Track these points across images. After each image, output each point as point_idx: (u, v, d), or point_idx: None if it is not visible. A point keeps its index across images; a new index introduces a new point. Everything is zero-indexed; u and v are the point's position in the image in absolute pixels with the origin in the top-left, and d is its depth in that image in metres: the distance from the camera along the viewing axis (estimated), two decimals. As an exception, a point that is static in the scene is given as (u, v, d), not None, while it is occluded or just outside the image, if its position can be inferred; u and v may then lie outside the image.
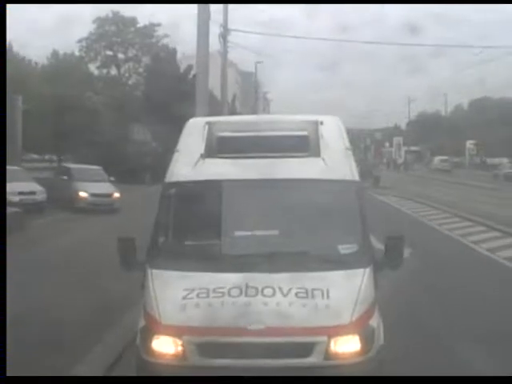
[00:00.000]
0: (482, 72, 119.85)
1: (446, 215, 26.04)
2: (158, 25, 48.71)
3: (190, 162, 7.01)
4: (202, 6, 16.58)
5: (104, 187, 25.48)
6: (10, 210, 17.98)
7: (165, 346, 5.81)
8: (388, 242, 6.53)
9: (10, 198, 18.73)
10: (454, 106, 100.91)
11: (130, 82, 48.73)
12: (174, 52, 46.08)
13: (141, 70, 48.97)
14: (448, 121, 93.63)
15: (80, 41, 47.10)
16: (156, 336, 5.84)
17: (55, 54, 42.74)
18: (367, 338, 5.83)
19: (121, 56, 49.59)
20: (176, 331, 5.76)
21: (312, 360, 5.68)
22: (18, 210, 18.97)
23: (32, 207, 21.58)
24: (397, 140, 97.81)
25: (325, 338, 5.68)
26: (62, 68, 38.90)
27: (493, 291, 11.94)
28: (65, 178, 26.50)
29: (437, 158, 76.90)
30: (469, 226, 22.45)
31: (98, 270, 5.98)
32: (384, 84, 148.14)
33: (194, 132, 7.42)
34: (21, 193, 22.12)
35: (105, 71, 48.60)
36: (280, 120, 7.98)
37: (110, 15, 46.82)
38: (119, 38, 48.20)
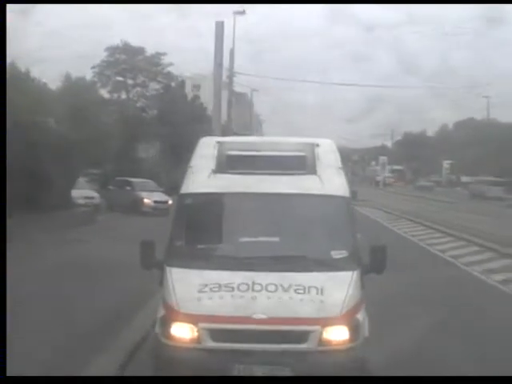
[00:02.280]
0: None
1: (397, 218, 31.91)
2: (164, 54, 49.46)
3: (202, 176, 7.39)
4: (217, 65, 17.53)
5: (161, 196, 29.37)
6: (80, 209, 23.95)
7: (182, 332, 6.19)
8: (373, 250, 6.90)
9: (77, 201, 24.59)
10: (440, 126, 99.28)
11: (137, 105, 49.19)
12: (182, 83, 47.65)
13: (148, 94, 49.61)
14: (432, 140, 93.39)
15: (93, 67, 47.75)
16: (174, 323, 6.21)
17: (68, 77, 43.17)
18: (354, 329, 6.23)
19: (130, 82, 50.07)
20: (192, 319, 6.14)
21: (307, 346, 6.08)
22: (86, 209, 24.28)
23: (92, 208, 25.82)
24: (382, 159, 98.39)
25: (318, 328, 6.08)
26: (76, 91, 39.38)
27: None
28: (128, 188, 30.52)
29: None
30: (414, 226, 28.02)
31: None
32: (371, 106, 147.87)
33: (206, 150, 7.80)
34: (85, 197, 26.25)
35: (115, 95, 49.10)
36: (281, 142, 8.34)
37: (121, 45, 47.53)
38: (128, 66, 48.69)
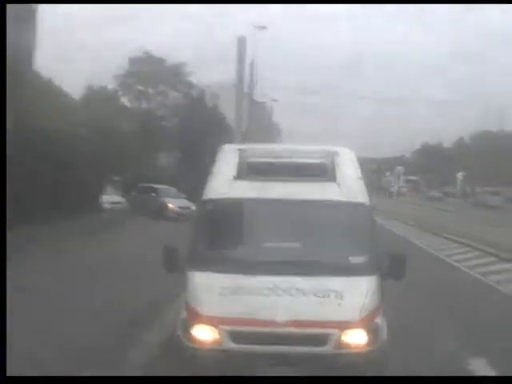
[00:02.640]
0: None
1: (392, 219, 34.49)
2: (185, 64, 49.60)
3: (224, 182, 7.45)
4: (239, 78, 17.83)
5: (184, 202, 30.28)
6: (108, 214, 25.33)
7: (204, 334, 6.24)
8: (392, 259, 6.89)
9: (105, 205, 26.11)
10: (458, 137, 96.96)
11: (158, 114, 49.42)
12: (203, 93, 48.00)
13: (168, 103, 49.87)
14: (449, 152, 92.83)
15: (116, 77, 48.06)
16: (197, 325, 6.27)
17: (90, 87, 43.51)
18: (372, 333, 6.26)
19: (151, 91, 50.33)
20: (214, 321, 6.19)
21: (326, 349, 6.12)
22: (114, 213, 25.64)
23: (119, 212, 27.50)
24: (397, 170, 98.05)
25: (337, 331, 6.12)
26: (98, 99, 39.67)
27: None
28: (153, 195, 31.71)
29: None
30: (404, 225, 31.91)
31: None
32: (390, 115, 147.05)
33: (228, 157, 7.87)
34: (112, 202, 27.86)
35: (137, 104, 49.37)
36: (301, 149, 8.39)
37: (143, 55, 47.84)
38: (150, 75, 48.96)
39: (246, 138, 39.42)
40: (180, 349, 6.44)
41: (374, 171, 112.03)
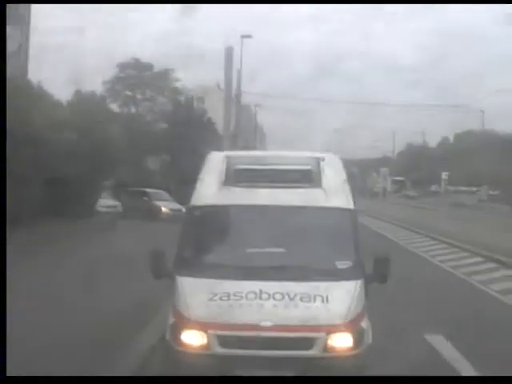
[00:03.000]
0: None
1: (381, 222, 35.29)
2: (172, 70, 49.56)
3: (211, 188, 7.42)
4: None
5: (175, 205, 31.00)
6: (103, 217, 25.53)
7: (192, 338, 6.23)
8: (376, 261, 6.90)
9: (100, 209, 26.62)
10: (442, 137, 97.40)
11: (146, 119, 49.34)
12: (191, 99, 48.58)
13: (155, 108, 49.83)
14: (434, 152, 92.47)
15: (105, 83, 47.95)
16: (185, 330, 6.26)
17: (78, 92, 43.35)
18: (358, 337, 6.26)
19: (139, 96, 50.23)
20: (202, 326, 6.18)
21: (313, 352, 6.11)
22: (109, 216, 25.91)
23: (114, 215, 27.72)
24: (383, 171, 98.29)
25: (323, 335, 6.12)
26: (86, 105, 39.57)
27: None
28: (145, 198, 32.83)
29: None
30: (393, 225, 32.53)
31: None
32: (373, 116, 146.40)
33: (215, 164, 7.81)
34: (107, 206, 28.31)
35: (125, 110, 49.26)
36: (287, 156, 8.36)
37: (131, 61, 47.77)
38: (137, 81, 48.90)
39: (233, 141, 40.00)
40: (169, 353, 6.44)
41: (354, 174, 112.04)
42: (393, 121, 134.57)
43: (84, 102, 40.72)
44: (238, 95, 39.33)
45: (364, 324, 6.41)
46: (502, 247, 20.07)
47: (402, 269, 11.38)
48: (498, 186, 58.68)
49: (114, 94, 48.79)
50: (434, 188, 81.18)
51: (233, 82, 43.04)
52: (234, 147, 35.27)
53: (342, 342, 6.21)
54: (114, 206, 29.79)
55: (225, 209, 7.29)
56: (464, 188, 68.15)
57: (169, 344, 6.43)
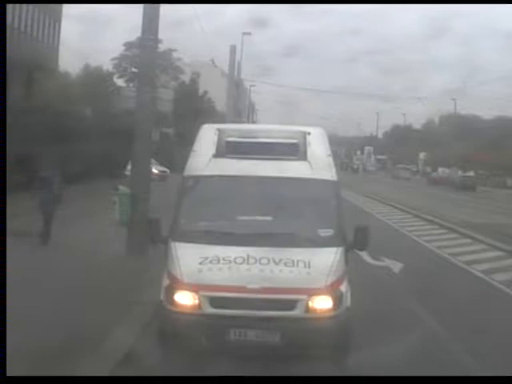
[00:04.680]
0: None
1: (359, 195, 34.14)
2: (174, 50, 49.16)
3: (203, 160, 7.33)
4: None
5: (162, 168, 34.12)
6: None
7: (184, 299, 6.21)
8: (356, 230, 6.90)
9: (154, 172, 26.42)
10: (427, 119, 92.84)
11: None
12: (195, 80, 49.95)
13: (159, 85, 49.61)
14: (418, 133, 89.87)
15: (113, 59, 47.86)
16: (178, 291, 6.24)
17: (87, 66, 43.22)
18: (337, 299, 6.25)
19: (143, 73, 50.04)
20: (194, 288, 6.17)
21: (295, 313, 6.11)
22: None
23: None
24: (367, 149, 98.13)
25: (305, 297, 6.11)
26: (95, 79, 39.36)
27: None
28: None
29: (399, 166, 77.39)
30: (370, 201, 31.56)
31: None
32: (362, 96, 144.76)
33: (207, 136, 7.69)
34: (160, 170, 31.87)
35: (131, 85, 48.96)
36: (276, 129, 8.21)
37: (136, 41, 47.44)
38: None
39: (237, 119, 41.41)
40: (163, 313, 6.41)
41: (337, 151, 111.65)
42: (384, 102, 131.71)
43: (93, 76, 40.66)
44: (238, 77, 40.48)
45: (343, 288, 6.39)
46: (391, 197, 31.90)
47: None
48: (467, 167, 58.92)
49: (120, 70, 48.48)
50: (412, 167, 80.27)
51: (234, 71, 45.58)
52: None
53: (322, 304, 6.19)
54: (164, 171, 33.95)
55: (215, 179, 7.20)
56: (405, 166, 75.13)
57: (163, 305, 6.40)
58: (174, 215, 7.02)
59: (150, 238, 7.09)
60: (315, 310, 6.17)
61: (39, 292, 8.37)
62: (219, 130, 7.80)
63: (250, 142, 7.54)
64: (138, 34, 12.79)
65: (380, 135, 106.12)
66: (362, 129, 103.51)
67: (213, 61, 51.05)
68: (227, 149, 7.42)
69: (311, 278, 6.21)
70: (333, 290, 6.24)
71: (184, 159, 7.75)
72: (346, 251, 6.75)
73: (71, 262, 10.38)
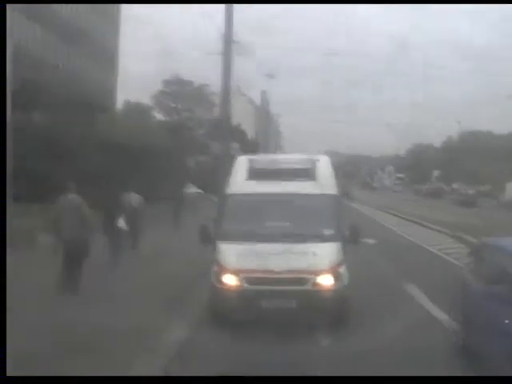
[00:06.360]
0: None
1: (372, 208, 39.64)
2: (207, 85, 51.73)
3: (239, 182, 9.45)
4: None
5: (197, 189, 33.25)
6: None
7: (229, 280, 8.25)
8: (351, 229, 8.92)
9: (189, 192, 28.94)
10: (447, 136, 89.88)
11: (187, 125, 51.60)
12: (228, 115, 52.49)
13: (194, 117, 52.25)
14: (436, 151, 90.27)
15: (153, 96, 50.89)
16: (224, 274, 8.28)
17: (127, 102, 46.24)
18: (336, 278, 8.23)
19: (180, 107, 52.63)
20: (236, 272, 8.21)
21: (307, 287, 8.11)
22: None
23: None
24: (388, 169, 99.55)
25: (313, 276, 8.13)
26: (136, 114, 42.33)
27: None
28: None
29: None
30: (381, 212, 36.20)
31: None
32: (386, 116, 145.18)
33: (242, 164, 9.82)
34: (195, 192, 31.66)
35: (169, 118, 51.69)
36: (293, 158, 10.48)
37: (174, 79, 50.34)
38: (179, 94, 51.34)
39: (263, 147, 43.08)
40: (214, 290, 8.44)
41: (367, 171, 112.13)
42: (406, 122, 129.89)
43: (131, 111, 43.53)
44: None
45: (341, 270, 8.37)
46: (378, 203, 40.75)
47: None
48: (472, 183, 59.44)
49: (160, 105, 51.35)
50: (427, 185, 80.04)
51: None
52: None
53: (325, 280, 8.19)
54: (199, 192, 34.12)
55: (248, 196, 9.20)
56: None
57: (213, 284, 8.45)
58: (217, 222, 9.07)
59: (200, 240, 9.07)
60: (320, 285, 8.18)
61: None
62: (250, 160, 9.97)
63: (274, 169, 9.65)
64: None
65: (403, 154, 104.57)
66: (383, 148, 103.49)
67: (239, 88, 53.50)
68: (256, 174, 9.50)
69: (317, 263, 8.23)
70: (333, 271, 8.24)
71: (215, 183, 10.06)
72: (344, 245, 8.74)
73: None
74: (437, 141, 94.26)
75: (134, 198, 14.72)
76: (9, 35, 8.18)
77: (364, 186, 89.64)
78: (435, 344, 7.24)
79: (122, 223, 12.79)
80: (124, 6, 44.54)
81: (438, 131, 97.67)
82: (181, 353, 7.09)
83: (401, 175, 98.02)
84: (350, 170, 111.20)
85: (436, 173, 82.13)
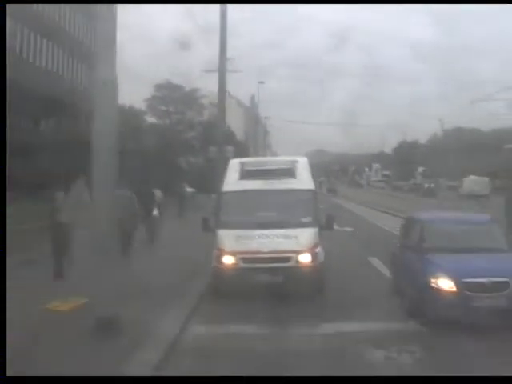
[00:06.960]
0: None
1: (354, 203, 43.04)
2: (198, 89, 53.27)
3: (232, 181, 11.23)
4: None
5: (191, 189, 33.79)
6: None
7: (228, 260, 10.04)
8: (327, 216, 10.84)
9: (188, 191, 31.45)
10: (431, 134, 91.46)
11: (178, 128, 52.97)
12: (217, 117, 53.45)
13: (185, 120, 53.81)
14: (422, 148, 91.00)
15: (146, 100, 52.45)
16: (224, 256, 10.08)
17: (121, 107, 47.58)
18: (314, 256, 10.06)
19: (171, 110, 54.15)
20: (233, 253, 10.02)
21: (290, 264, 9.93)
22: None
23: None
24: (375, 166, 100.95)
25: (295, 255, 9.96)
26: (129, 117, 43.88)
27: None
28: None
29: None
30: (363, 207, 38.44)
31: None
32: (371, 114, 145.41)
33: (234, 166, 11.65)
34: (189, 190, 32.29)
35: (160, 121, 53.18)
36: (277, 160, 12.58)
37: (165, 83, 51.83)
38: (170, 99, 52.92)
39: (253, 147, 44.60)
40: (216, 270, 10.24)
41: (339, 170, 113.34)
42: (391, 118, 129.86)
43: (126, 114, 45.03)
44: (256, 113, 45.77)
45: (318, 250, 10.22)
46: (370, 201, 42.99)
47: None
48: (455, 178, 61.27)
49: (151, 109, 52.87)
50: (412, 181, 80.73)
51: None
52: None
53: (305, 258, 10.04)
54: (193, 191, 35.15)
55: (240, 192, 10.97)
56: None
57: (215, 265, 10.24)
58: (216, 214, 10.90)
59: (202, 228, 10.90)
60: (301, 262, 10.03)
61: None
62: (241, 162, 11.84)
63: (261, 169, 11.47)
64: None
65: (389, 151, 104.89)
66: (371, 146, 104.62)
67: (228, 91, 54.72)
68: (247, 174, 11.32)
69: (298, 245, 10.07)
70: (311, 251, 10.09)
71: (209, 182, 12.15)
72: (320, 230, 10.60)
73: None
74: (422, 138, 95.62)
75: (157, 194, 18.11)
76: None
77: (351, 184, 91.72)
78: (381, 288, 10.93)
79: (156, 212, 16.68)
80: (119, 11, 45.65)
81: (422, 129, 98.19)
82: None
83: (387, 172, 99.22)
84: (337, 168, 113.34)
85: (420, 169, 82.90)
